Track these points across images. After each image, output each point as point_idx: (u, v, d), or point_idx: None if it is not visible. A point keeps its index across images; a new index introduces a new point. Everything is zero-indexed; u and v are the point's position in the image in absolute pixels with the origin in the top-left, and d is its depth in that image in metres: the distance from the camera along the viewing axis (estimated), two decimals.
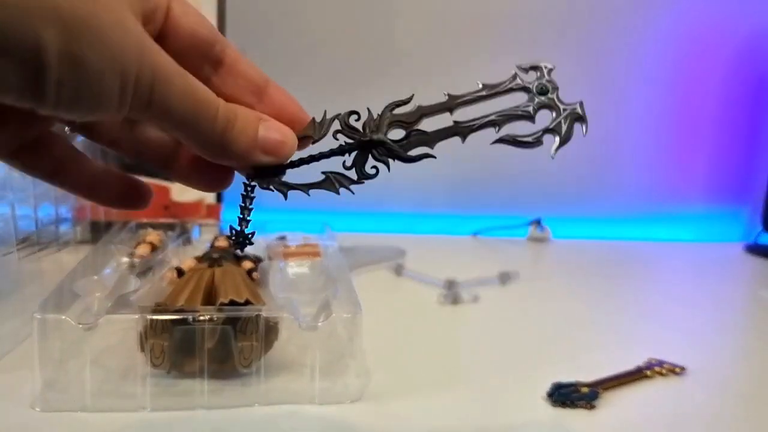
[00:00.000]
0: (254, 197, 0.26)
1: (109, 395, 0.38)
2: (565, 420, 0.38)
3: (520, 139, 0.26)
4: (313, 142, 0.26)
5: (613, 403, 0.41)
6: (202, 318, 0.38)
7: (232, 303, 0.40)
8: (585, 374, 0.43)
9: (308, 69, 0.93)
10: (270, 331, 0.40)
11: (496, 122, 0.26)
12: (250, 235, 0.26)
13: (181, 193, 0.79)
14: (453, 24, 0.95)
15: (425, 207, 1.00)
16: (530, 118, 0.26)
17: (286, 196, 0.26)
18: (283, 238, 0.61)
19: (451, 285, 0.63)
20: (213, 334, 0.38)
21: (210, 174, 0.26)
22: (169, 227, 0.62)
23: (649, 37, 0.98)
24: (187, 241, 0.62)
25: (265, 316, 0.39)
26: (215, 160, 0.24)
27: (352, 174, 0.26)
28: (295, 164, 0.25)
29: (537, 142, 0.26)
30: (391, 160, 0.26)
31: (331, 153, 0.26)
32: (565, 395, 0.40)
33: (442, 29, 0.95)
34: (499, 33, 0.95)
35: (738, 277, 0.82)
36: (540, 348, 0.51)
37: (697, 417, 0.40)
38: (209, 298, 0.42)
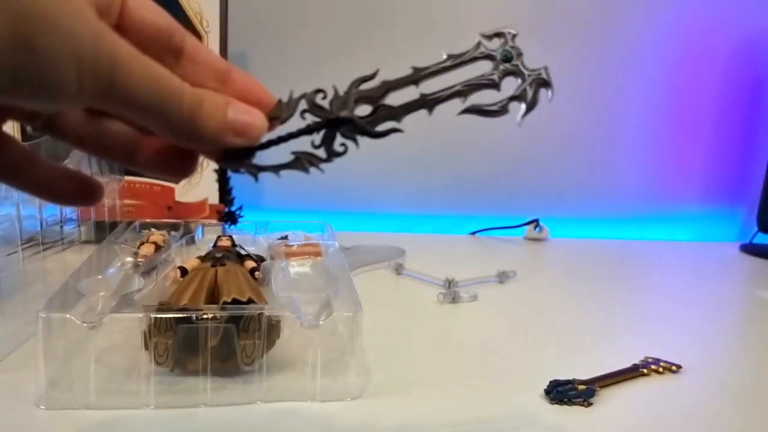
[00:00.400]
0: (229, 178, 0.26)
1: (113, 393, 0.38)
2: (563, 417, 0.39)
3: (485, 108, 0.25)
4: (281, 123, 0.25)
5: (609, 400, 0.41)
6: (205, 317, 0.38)
7: (235, 302, 0.40)
8: (582, 372, 0.44)
9: (306, 69, 0.93)
10: (272, 329, 0.40)
11: (462, 92, 0.25)
12: (238, 210, 0.26)
13: (185, 193, 0.79)
14: (452, 24, 0.95)
15: (424, 207, 1.01)
16: (495, 86, 0.25)
17: (257, 178, 0.25)
18: (284, 237, 0.61)
19: (450, 284, 0.64)
20: (216, 333, 0.38)
21: (173, 163, 0.26)
22: (173, 227, 0.62)
23: (647, 38, 0.98)
24: (191, 241, 0.62)
25: (267, 315, 0.39)
26: (185, 145, 0.24)
27: (322, 153, 0.26)
28: (264, 146, 0.25)
29: (503, 110, 0.26)
30: (359, 137, 0.26)
31: (300, 133, 0.25)
32: (562, 393, 0.40)
33: (440, 33, 0.95)
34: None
35: (734, 277, 0.82)
36: (538, 346, 0.51)
37: (694, 415, 0.40)
38: (212, 297, 0.42)
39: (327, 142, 0.26)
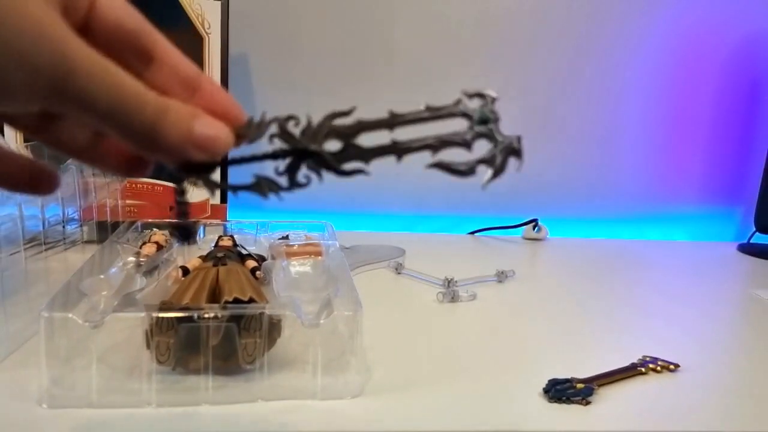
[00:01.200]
0: (185, 191, 0.25)
1: (115, 392, 0.38)
2: (561, 416, 0.39)
3: (453, 167, 0.25)
4: (248, 143, 0.25)
5: (608, 399, 0.42)
6: (206, 316, 0.38)
7: (237, 301, 0.40)
8: (580, 371, 0.44)
9: (307, 71, 0.93)
10: (273, 328, 0.41)
11: (434, 146, 0.25)
12: (195, 224, 0.26)
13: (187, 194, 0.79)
14: (451, 23, 0.95)
15: (424, 207, 1.01)
16: (467, 145, 0.25)
17: (213, 194, 0.25)
18: (285, 237, 0.62)
19: (449, 283, 0.64)
20: (217, 332, 0.38)
21: (130, 163, 0.25)
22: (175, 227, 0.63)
23: (645, 38, 0.99)
24: (192, 241, 0.63)
25: (268, 314, 0.40)
26: (143, 153, 0.23)
27: (284, 181, 0.25)
28: (226, 163, 0.25)
29: (470, 171, 0.25)
30: (324, 171, 0.25)
31: (264, 156, 0.25)
32: (560, 391, 0.41)
33: (440, 29, 0.95)
34: (495, 35, 0.96)
35: (732, 277, 0.82)
36: (536, 345, 0.51)
37: (691, 413, 0.41)
38: (214, 297, 0.43)
39: (291, 170, 0.25)
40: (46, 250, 0.51)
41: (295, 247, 0.57)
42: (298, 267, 0.50)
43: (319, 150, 0.25)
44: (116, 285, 0.44)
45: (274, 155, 0.25)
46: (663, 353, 0.48)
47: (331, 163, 0.25)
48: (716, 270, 0.84)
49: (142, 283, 0.46)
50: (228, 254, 0.49)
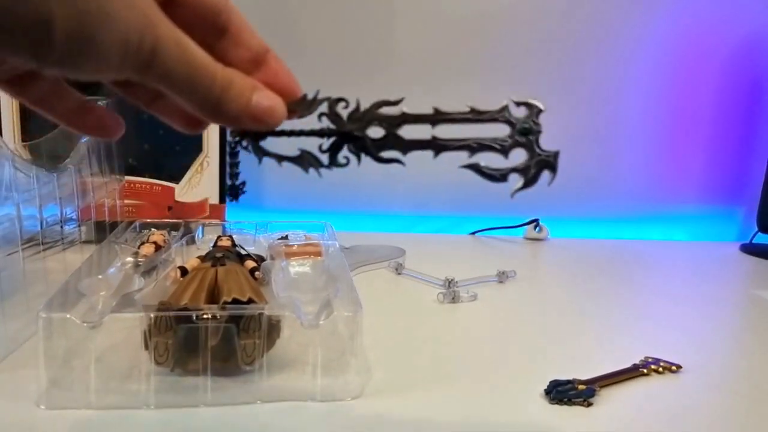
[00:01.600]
0: (238, 152, 0.28)
1: (114, 393, 0.38)
2: (563, 417, 0.39)
3: (487, 171, 0.26)
4: (298, 117, 0.26)
5: (609, 400, 0.41)
6: (205, 316, 0.38)
7: (235, 301, 0.40)
8: (582, 372, 0.44)
9: (307, 70, 0.93)
10: (272, 329, 0.41)
11: (472, 148, 0.26)
12: (241, 185, 0.28)
13: (185, 193, 0.79)
14: (451, 23, 0.95)
15: (424, 207, 1.01)
16: (504, 152, 0.26)
17: (260, 161, 0.26)
18: (285, 237, 0.62)
19: (450, 284, 0.64)
20: (216, 332, 0.38)
21: (190, 121, 0.27)
22: (173, 227, 0.63)
23: (645, 38, 0.99)
24: (191, 241, 0.63)
25: (267, 315, 0.39)
26: (206, 119, 0.25)
27: (325, 159, 0.27)
28: (276, 133, 0.26)
29: (502, 178, 0.26)
30: (364, 155, 0.26)
31: (312, 133, 0.26)
32: (562, 392, 0.41)
33: (440, 29, 0.95)
34: (495, 35, 0.96)
35: (734, 277, 0.82)
36: (537, 346, 0.51)
37: (694, 414, 0.41)
38: (212, 297, 0.43)
39: (333, 150, 0.26)
40: (44, 250, 0.51)
41: (294, 248, 0.57)
42: (297, 267, 0.50)
43: (362, 135, 0.26)
44: (115, 285, 0.44)
45: (321, 133, 0.26)
46: (665, 354, 0.48)
47: (371, 149, 0.26)
48: (718, 270, 0.84)
49: (140, 284, 0.45)
50: (227, 254, 0.49)
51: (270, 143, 0.27)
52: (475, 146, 0.26)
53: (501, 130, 0.26)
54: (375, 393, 0.41)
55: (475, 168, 0.26)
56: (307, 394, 0.40)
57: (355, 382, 0.41)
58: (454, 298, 0.61)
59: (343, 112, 0.26)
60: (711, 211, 1.06)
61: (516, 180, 0.27)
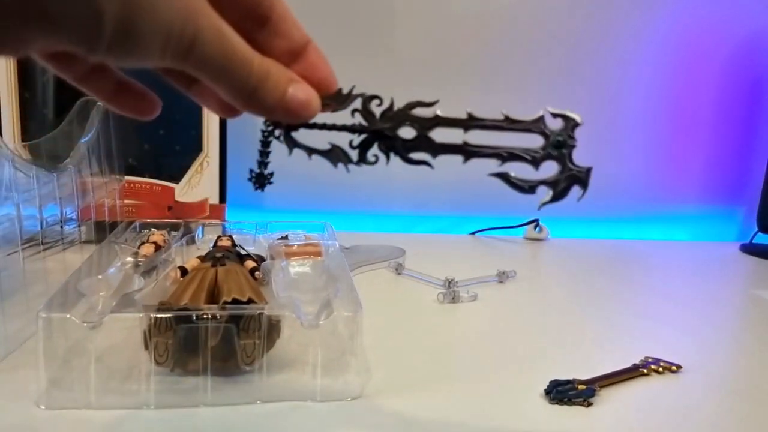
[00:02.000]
0: (270, 142, 0.27)
1: (113, 393, 0.38)
2: (563, 417, 0.39)
3: (516, 181, 0.26)
4: (332, 111, 0.26)
5: (609, 400, 0.41)
6: (205, 316, 0.38)
7: (235, 301, 0.40)
8: (582, 372, 0.44)
9: None
10: (272, 329, 0.41)
11: (502, 157, 0.26)
12: (269, 176, 0.28)
13: (185, 193, 0.80)
14: (451, 22, 0.95)
15: (424, 207, 1.01)
16: (535, 164, 0.26)
17: (290, 152, 0.27)
18: (285, 237, 0.62)
19: (450, 284, 0.64)
20: (216, 333, 0.38)
21: (225, 107, 0.27)
22: (173, 227, 0.63)
23: (646, 37, 0.99)
24: (191, 241, 0.62)
25: (267, 315, 0.39)
26: (241, 109, 0.25)
27: (355, 155, 0.27)
28: (309, 126, 0.26)
29: (530, 190, 0.26)
30: (393, 155, 0.26)
31: (344, 128, 0.26)
32: (562, 392, 0.41)
33: (440, 29, 0.95)
34: (495, 35, 0.96)
35: (734, 277, 0.82)
36: (537, 346, 0.51)
37: (694, 414, 0.41)
38: (212, 297, 0.43)
39: (363, 147, 0.26)
40: (44, 250, 0.51)
41: (294, 248, 0.57)
42: (297, 267, 0.50)
43: (394, 134, 0.26)
44: (114, 285, 0.44)
45: (352, 129, 0.26)
46: (665, 354, 0.48)
47: (401, 150, 0.26)
48: (718, 270, 0.84)
49: (140, 284, 0.45)
50: (227, 254, 0.49)
51: (301, 135, 0.27)
52: (505, 155, 0.26)
53: (534, 141, 0.26)
54: (375, 393, 0.41)
55: (504, 177, 0.26)
56: (307, 394, 0.40)
57: (355, 382, 0.41)
58: (454, 298, 0.61)
59: (377, 109, 0.26)
60: (711, 211, 1.06)
61: (544, 192, 0.26)
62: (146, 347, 0.39)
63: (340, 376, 0.41)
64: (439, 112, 0.26)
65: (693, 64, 1.00)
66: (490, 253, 0.88)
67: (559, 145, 0.26)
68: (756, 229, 0.94)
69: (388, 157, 0.26)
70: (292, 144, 0.26)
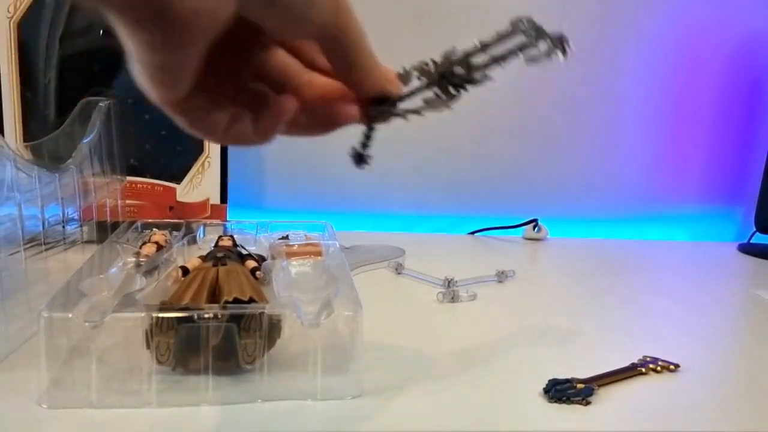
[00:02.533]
0: (374, 128, 0.32)
1: (115, 392, 0.38)
2: (561, 416, 0.39)
3: (528, 57, 0.30)
4: (404, 84, 0.31)
5: (608, 399, 0.42)
6: (206, 316, 0.38)
7: (236, 301, 0.41)
8: (580, 371, 0.44)
9: None
10: (273, 328, 0.41)
11: (514, 52, 0.30)
12: (368, 156, 0.32)
13: (186, 193, 0.80)
14: (448, 21, 0.95)
15: (424, 207, 1.01)
16: (534, 46, 0.30)
17: (406, 118, 0.31)
18: (285, 237, 0.62)
19: (449, 283, 0.64)
20: (217, 332, 0.38)
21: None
22: (175, 227, 0.63)
23: (645, 38, 0.99)
24: (192, 241, 0.63)
25: (268, 314, 0.39)
26: (351, 85, 0.29)
27: (441, 94, 0.31)
28: (402, 98, 0.31)
29: (546, 55, 0.30)
30: (463, 84, 0.31)
31: (417, 90, 0.31)
32: (561, 391, 0.41)
33: (438, 29, 0.95)
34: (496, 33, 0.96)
35: (732, 277, 0.82)
36: (536, 345, 0.51)
37: (692, 413, 0.41)
38: (214, 297, 0.43)
39: (442, 89, 0.31)
40: (45, 250, 0.51)
41: (295, 247, 0.57)
42: (298, 267, 0.50)
43: (451, 71, 0.31)
44: (116, 285, 0.44)
45: (426, 86, 0.31)
46: (663, 353, 0.48)
47: (464, 77, 0.31)
48: (716, 270, 0.84)
49: (141, 283, 0.45)
50: (228, 254, 0.49)
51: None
52: (515, 50, 0.30)
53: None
54: (375, 392, 0.41)
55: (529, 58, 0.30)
56: (308, 394, 0.40)
57: (356, 381, 0.41)
58: (454, 298, 0.61)
59: (429, 68, 0.31)
60: (710, 211, 1.06)
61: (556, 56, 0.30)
62: (148, 347, 0.39)
63: (340, 375, 0.41)
64: (464, 50, 0.31)
65: (692, 64, 1.00)
66: (490, 252, 0.88)
67: (535, 30, 0.31)
68: (754, 229, 0.94)
69: (461, 88, 0.31)
70: (403, 112, 0.31)
